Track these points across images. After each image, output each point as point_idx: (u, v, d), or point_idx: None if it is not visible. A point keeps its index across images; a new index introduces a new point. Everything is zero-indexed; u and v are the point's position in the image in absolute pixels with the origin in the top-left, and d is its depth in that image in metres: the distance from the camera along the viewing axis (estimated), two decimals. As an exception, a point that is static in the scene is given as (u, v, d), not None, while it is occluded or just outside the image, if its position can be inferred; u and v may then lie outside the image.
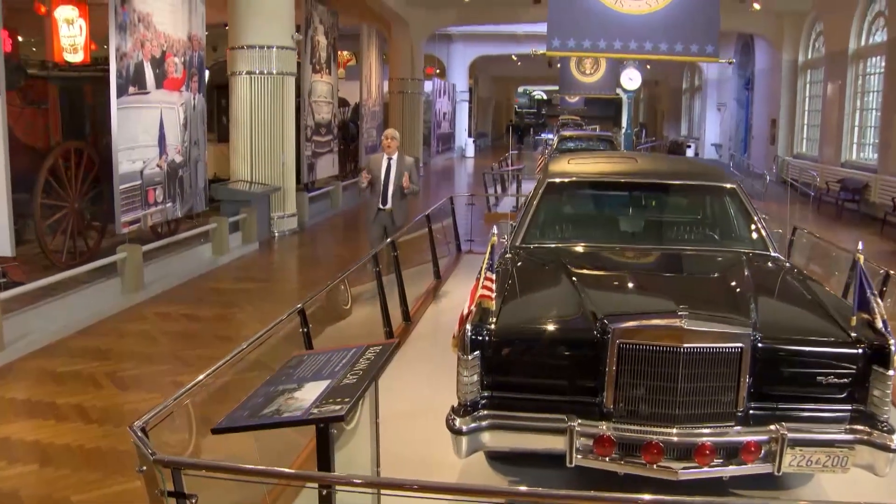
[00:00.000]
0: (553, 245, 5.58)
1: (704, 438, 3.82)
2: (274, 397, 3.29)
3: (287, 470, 3.71)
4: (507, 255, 5.40)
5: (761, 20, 23.27)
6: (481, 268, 4.08)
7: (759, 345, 3.93)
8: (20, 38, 18.48)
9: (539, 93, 69.00)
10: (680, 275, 5.14)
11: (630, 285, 4.85)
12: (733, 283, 4.88)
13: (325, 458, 3.14)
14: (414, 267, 9.62)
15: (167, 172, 10.52)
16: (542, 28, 27.23)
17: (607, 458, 3.87)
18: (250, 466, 2.86)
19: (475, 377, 3.97)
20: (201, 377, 3.62)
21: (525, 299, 4.56)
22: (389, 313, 7.17)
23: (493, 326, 4.02)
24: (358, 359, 3.64)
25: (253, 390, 3.44)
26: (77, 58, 14.29)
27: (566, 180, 6.13)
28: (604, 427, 3.88)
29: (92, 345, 7.47)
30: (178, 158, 10.88)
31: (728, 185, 5.98)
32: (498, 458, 4.63)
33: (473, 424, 3.92)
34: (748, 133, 28.15)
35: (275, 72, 13.33)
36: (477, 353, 3.95)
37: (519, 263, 5.17)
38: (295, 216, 14.27)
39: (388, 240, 8.13)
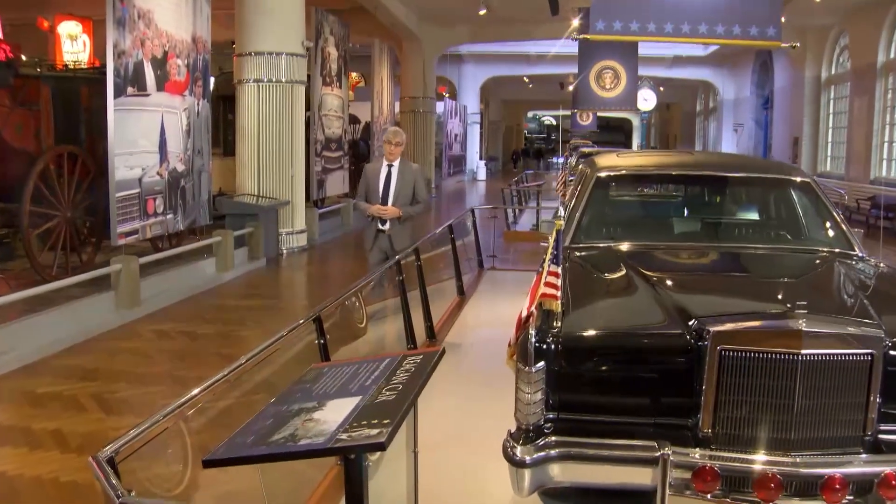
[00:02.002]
0: (607, 244, 4.79)
1: (834, 469, 3.01)
2: (287, 419, 2.49)
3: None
4: (542, 258, 4.63)
5: (783, 36, 22.59)
6: (543, 260, 3.30)
7: (892, 352, 3.13)
8: (24, 58, 17.84)
9: (549, 118, 68.49)
10: (767, 275, 4.34)
11: (716, 285, 4.06)
12: (835, 284, 4.09)
13: (356, 498, 2.34)
14: (432, 285, 8.84)
15: (168, 181, 9.80)
16: (554, 47, 26.72)
17: (709, 496, 3.05)
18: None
19: (539, 395, 3.16)
20: (196, 391, 2.85)
21: (591, 301, 3.77)
22: (411, 330, 6.36)
23: (560, 332, 3.22)
24: (394, 371, 2.84)
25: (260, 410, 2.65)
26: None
27: (617, 174, 5.37)
28: (704, 456, 3.07)
29: (79, 364, 6.67)
30: (181, 167, 10.16)
31: (801, 179, 5.22)
32: (555, 496, 3.80)
33: (539, 454, 3.10)
34: (768, 153, 27.40)
35: (284, 80, 12.62)
36: (541, 364, 3.15)
37: (573, 264, 4.39)
38: (304, 233, 13.50)
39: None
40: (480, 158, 38.92)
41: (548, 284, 3.26)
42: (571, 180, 17.09)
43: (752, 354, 3.08)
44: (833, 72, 22.13)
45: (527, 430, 3.17)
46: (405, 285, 6.41)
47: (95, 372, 6.48)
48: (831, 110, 22.38)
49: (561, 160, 49.70)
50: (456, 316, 7.95)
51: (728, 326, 3.13)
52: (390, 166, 7.11)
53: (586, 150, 21.33)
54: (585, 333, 3.29)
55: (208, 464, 2.26)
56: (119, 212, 8.67)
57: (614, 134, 54.69)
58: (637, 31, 6.10)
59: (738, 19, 6.06)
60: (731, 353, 3.08)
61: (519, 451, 3.12)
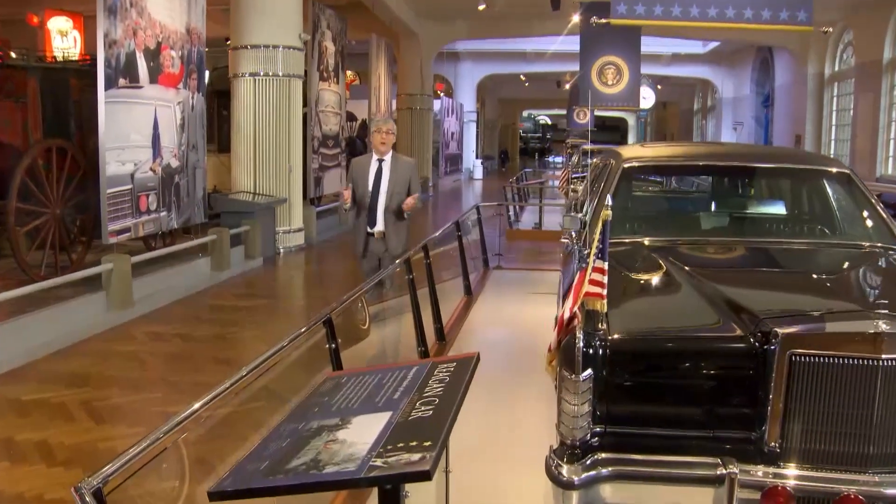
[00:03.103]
0: (637, 239, 4.43)
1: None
2: (306, 440, 2.12)
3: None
4: (587, 253, 4.27)
5: (784, 32, 22.28)
6: (588, 254, 2.93)
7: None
8: (13, 55, 17.37)
9: (543, 118, 68.20)
10: (820, 271, 3.98)
11: (770, 283, 3.70)
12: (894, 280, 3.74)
13: (391, 535, 1.97)
14: (436, 284, 8.48)
15: (161, 178, 9.40)
16: (554, 44, 26.32)
17: (781, 521, 2.70)
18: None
19: (586, 406, 2.80)
20: (197, 405, 2.47)
21: (635, 301, 3.41)
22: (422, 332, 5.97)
23: (608, 335, 2.87)
24: (426, 381, 2.47)
25: (272, 427, 2.28)
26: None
27: (645, 164, 5.02)
28: (776, 474, 2.72)
29: (67, 368, 6.28)
30: (175, 163, 9.75)
31: (840, 170, 4.89)
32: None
33: (590, 474, 2.74)
34: (768, 151, 27.10)
35: (281, 74, 12.23)
36: (589, 372, 2.79)
37: (613, 264, 4.03)
38: (302, 231, 13.12)
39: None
40: (477, 157, 38.56)
41: (593, 282, 2.90)
42: (575, 178, 16.80)
43: (827, 360, 2.73)
44: (836, 69, 21.83)
45: (572, 446, 2.81)
46: (415, 285, 6.02)
47: (85, 377, 6.09)
48: (834, 108, 22.06)
49: (557, 159, 49.49)
50: (464, 317, 7.59)
51: (799, 328, 2.78)
52: (381, 161, 6.35)
53: (588, 147, 21.12)
54: (636, 337, 2.94)
55: (215, 496, 1.88)
56: (110, 209, 8.27)
57: (610, 133, 54.51)
58: (661, 15, 5.74)
59: (768, 2, 5.71)
60: (804, 358, 2.73)
61: (566, 470, 2.76)
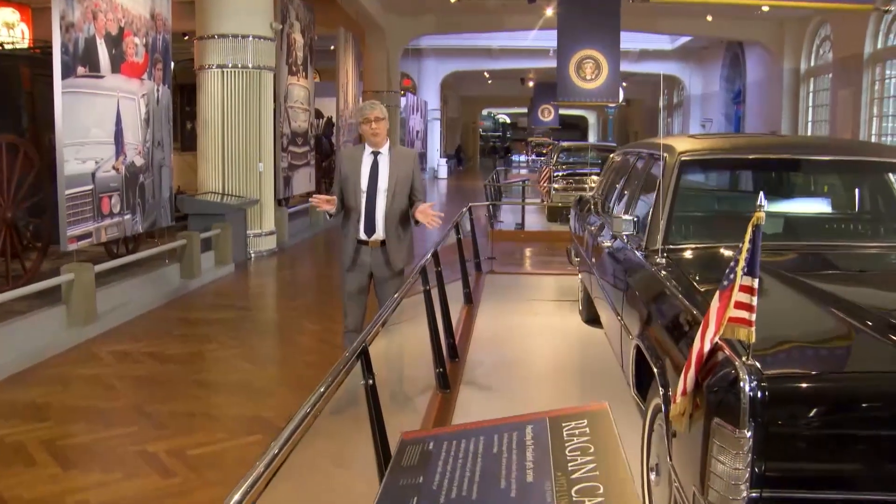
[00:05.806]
0: (712, 245, 3.79)
1: None
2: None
3: None
4: (659, 261, 3.60)
5: (759, 27, 22.03)
6: (733, 269, 2.23)
7: None
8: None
9: (503, 116, 67.85)
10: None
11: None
12: None
13: None
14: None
15: (125, 177, 8.52)
16: (524, 40, 25.73)
17: None
18: None
19: (748, 469, 2.12)
20: (237, 496, 1.72)
21: (762, 326, 2.74)
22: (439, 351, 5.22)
23: (763, 374, 2.18)
24: (558, 449, 1.76)
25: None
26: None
27: (706, 157, 4.37)
28: None
29: (24, 398, 5.40)
30: (139, 161, 8.88)
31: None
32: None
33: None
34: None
35: (250, 66, 11.38)
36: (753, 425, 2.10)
37: (693, 275, 3.35)
38: (274, 234, 12.27)
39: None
40: (441, 156, 37.89)
41: (739, 305, 2.21)
42: (556, 176, 16.17)
43: None
44: (812, 64, 21.60)
45: (730, 520, 2.12)
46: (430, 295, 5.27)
47: (46, 409, 5.22)
48: (811, 103, 21.84)
49: (522, 158, 49.04)
50: (470, 329, 6.87)
51: None
52: (376, 153, 5.10)
53: (566, 143, 20.62)
54: (801, 374, 2.26)
55: None
56: (69, 212, 7.39)
57: (571, 132, 54.47)
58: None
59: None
60: None
61: (730, 560, 2.07)
